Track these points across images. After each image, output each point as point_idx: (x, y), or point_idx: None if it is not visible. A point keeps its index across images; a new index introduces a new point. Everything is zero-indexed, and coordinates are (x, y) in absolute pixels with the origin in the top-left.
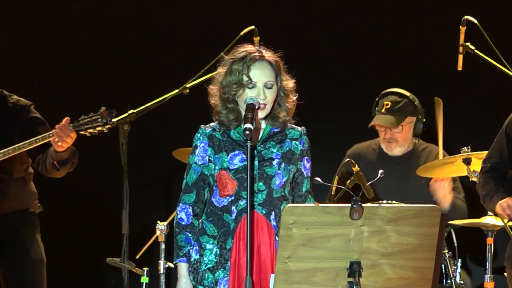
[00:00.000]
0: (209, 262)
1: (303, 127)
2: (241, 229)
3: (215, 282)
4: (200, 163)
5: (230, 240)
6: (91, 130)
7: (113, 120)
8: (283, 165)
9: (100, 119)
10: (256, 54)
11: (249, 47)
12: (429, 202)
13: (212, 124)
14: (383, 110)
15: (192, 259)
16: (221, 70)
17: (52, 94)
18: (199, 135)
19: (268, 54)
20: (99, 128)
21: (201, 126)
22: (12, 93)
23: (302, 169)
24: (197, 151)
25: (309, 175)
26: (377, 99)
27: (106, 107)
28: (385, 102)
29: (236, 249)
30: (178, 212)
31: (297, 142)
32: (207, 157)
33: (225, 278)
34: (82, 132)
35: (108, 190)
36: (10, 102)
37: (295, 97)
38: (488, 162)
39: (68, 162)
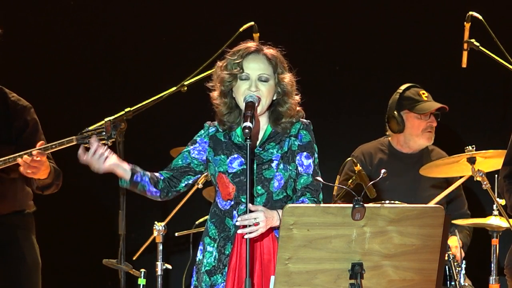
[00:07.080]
0: (207, 265)
1: (308, 121)
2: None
3: (211, 286)
4: (193, 155)
5: (229, 245)
6: None
7: (116, 136)
8: (281, 165)
9: (104, 133)
10: (253, 47)
11: (250, 43)
12: (440, 202)
13: (216, 123)
14: (424, 98)
15: (197, 259)
16: (219, 63)
17: (46, 90)
18: (202, 131)
19: (267, 50)
20: (103, 142)
21: (206, 123)
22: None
23: (298, 165)
24: (195, 146)
25: (309, 172)
26: (400, 92)
27: (108, 118)
28: (421, 92)
29: (237, 253)
30: None
31: (294, 139)
32: (204, 156)
33: (222, 284)
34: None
35: (105, 190)
36: (10, 99)
37: (298, 97)
38: (507, 166)
39: (52, 185)
